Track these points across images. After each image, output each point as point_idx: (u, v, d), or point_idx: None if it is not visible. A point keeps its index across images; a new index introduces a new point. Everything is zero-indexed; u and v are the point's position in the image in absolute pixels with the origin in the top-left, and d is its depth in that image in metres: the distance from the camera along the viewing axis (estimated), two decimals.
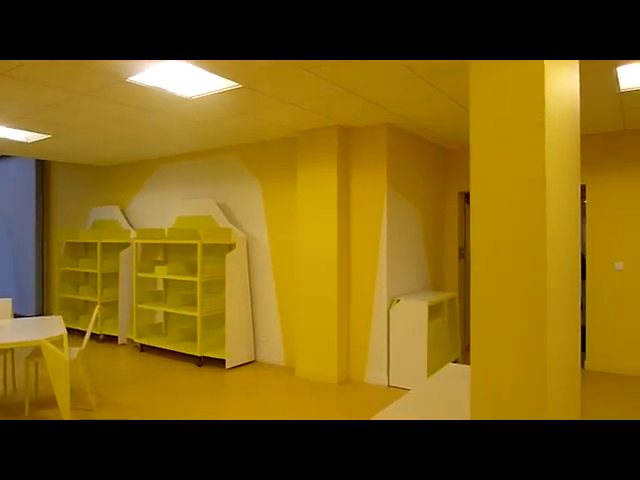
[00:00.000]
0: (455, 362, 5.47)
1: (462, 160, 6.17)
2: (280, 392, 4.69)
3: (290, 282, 5.52)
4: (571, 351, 2.12)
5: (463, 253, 6.39)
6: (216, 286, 5.97)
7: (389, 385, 4.84)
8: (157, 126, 4.99)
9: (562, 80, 1.93)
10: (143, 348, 6.29)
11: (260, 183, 5.80)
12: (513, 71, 1.67)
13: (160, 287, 6.62)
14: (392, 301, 4.89)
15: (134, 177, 7.32)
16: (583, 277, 5.40)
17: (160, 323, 6.55)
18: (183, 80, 3.55)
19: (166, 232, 6.06)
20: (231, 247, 5.69)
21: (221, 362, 5.50)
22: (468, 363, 2.10)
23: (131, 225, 7.28)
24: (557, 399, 1.76)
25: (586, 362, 5.37)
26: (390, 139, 4.90)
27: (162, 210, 6.89)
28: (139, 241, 6.19)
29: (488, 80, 1.73)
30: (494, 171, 1.68)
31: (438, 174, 6.11)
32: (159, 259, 6.61)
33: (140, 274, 6.18)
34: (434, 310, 5.10)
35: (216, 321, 5.94)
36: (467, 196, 6.37)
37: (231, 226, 5.81)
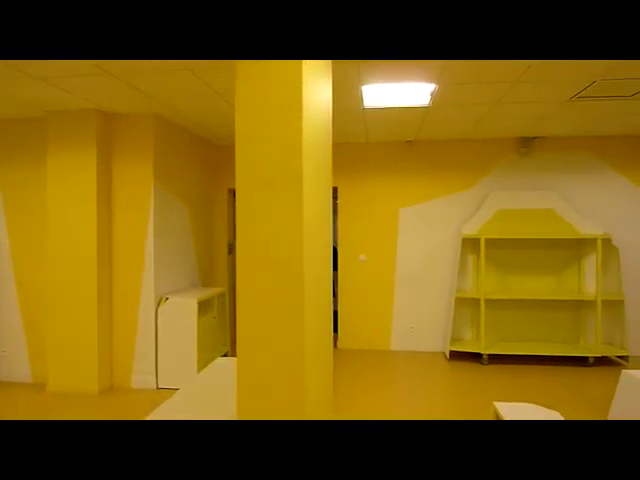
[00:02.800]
0: (225, 355, 5.58)
1: (232, 157, 6.30)
2: (22, 413, 4.03)
3: (39, 286, 4.79)
4: (325, 334, 2.38)
5: (232, 249, 6.55)
6: None
7: (158, 387, 4.65)
8: None
9: (318, 91, 2.14)
10: None
11: None
12: (275, 76, 1.78)
13: None
14: (160, 300, 4.70)
15: None
16: (335, 268, 6.14)
17: None
18: None
19: None
20: None
21: None
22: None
23: None
24: (314, 380, 1.95)
25: (338, 342, 6.12)
26: (158, 131, 4.69)
27: None
28: None
29: (253, 82, 1.80)
30: (257, 169, 1.76)
31: (208, 170, 6.12)
32: None
33: None
34: (204, 306, 5.10)
35: None
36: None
37: None
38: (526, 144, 5.78)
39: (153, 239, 4.61)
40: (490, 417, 3.21)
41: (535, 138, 5.78)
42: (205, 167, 6.01)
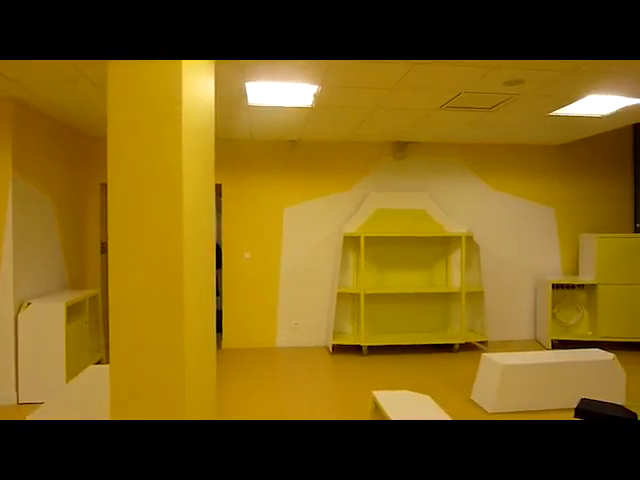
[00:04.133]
0: (99, 362, 5.18)
1: (105, 149, 5.85)
2: None
3: None
4: (207, 334, 2.32)
5: (106, 248, 6.10)
6: None
7: (19, 403, 4.17)
8: None
9: (199, 86, 2.07)
10: None
11: None
12: (153, 69, 1.68)
13: None
14: (21, 305, 4.22)
15: None
16: (219, 266, 6.01)
17: None
18: None
19: None
20: None
21: None
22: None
23: None
24: (196, 382, 1.89)
25: (223, 342, 6.01)
26: (18, 117, 4.19)
27: None
28: None
29: (127, 78, 1.69)
30: (131, 164, 1.66)
31: (79, 163, 5.62)
32: None
33: None
34: (74, 310, 4.68)
35: None
36: None
37: None
38: (401, 148, 6.18)
39: (12, 237, 4.11)
40: (370, 405, 3.38)
41: (409, 143, 6.20)
42: (75, 159, 5.51)
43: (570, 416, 3.20)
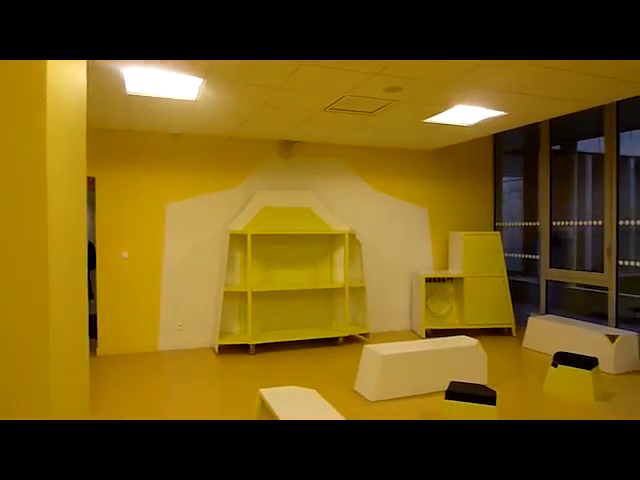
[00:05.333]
0: None
1: None
2: None
3: None
4: (79, 341, 2.13)
5: None
6: None
7: None
8: None
9: (69, 76, 1.89)
10: None
11: None
12: (13, 61, 1.49)
13: None
14: None
15: None
16: (93, 266, 5.56)
17: None
18: None
19: None
20: None
21: None
22: None
23: None
24: (63, 393, 1.72)
25: (98, 348, 5.57)
26: None
27: None
28: None
29: None
30: None
31: None
32: None
33: None
34: None
35: None
36: None
37: None
38: (287, 147, 6.25)
39: None
40: (257, 403, 3.37)
41: (295, 142, 6.28)
42: None
43: (442, 399, 3.49)
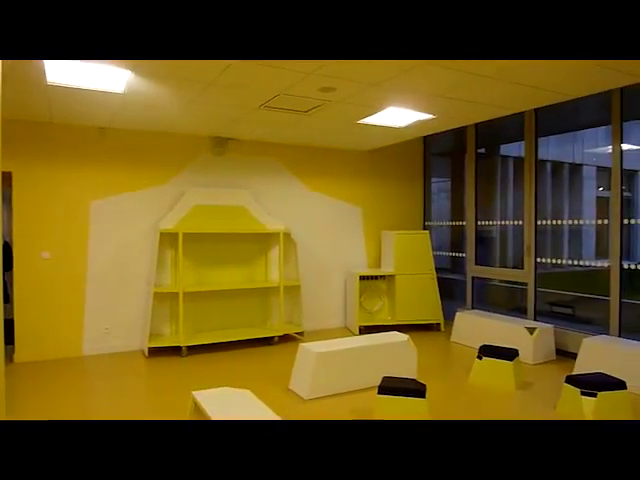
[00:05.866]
0: None
1: None
2: None
3: None
4: None
5: None
6: None
7: None
8: None
9: None
10: None
11: None
12: None
13: None
14: None
15: None
16: (10, 268, 5.17)
17: None
18: None
19: None
20: None
21: None
22: None
23: None
24: None
25: (15, 355, 5.19)
26: None
27: None
28: None
29: None
30: None
31: None
32: None
33: None
34: None
35: None
36: None
37: None
38: (221, 144, 6.14)
39: None
40: (189, 406, 3.29)
41: (229, 140, 6.18)
42: None
43: (375, 394, 3.57)
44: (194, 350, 5.60)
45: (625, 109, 4.99)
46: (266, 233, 6.26)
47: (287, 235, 6.28)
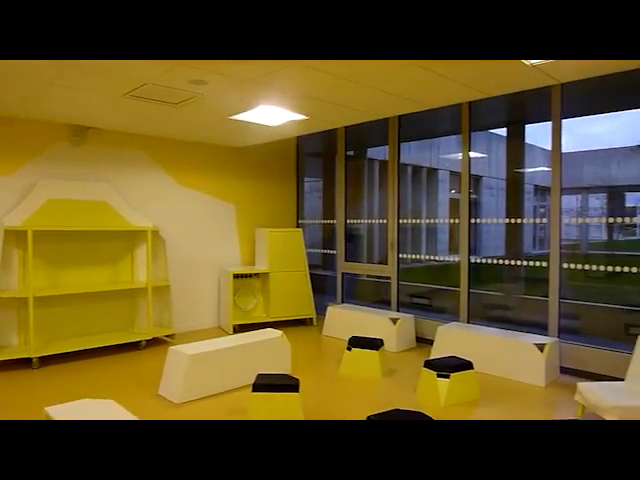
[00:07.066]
0: None
1: None
2: None
3: None
4: None
5: None
6: None
7: None
8: None
9: None
10: None
11: None
12: None
13: None
14: None
15: None
16: None
17: None
18: None
19: None
20: None
21: None
22: None
23: None
24: None
25: None
26: None
27: None
28: None
29: None
30: None
31: None
32: None
33: None
34: None
35: None
36: None
37: None
38: (79, 133, 5.59)
39: None
40: None
41: (90, 129, 5.67)
42: None
43: (249, 392, 3.55)
44: (49, 361, 5.04)
45: (473, 121, 5.61)
46: (131, 230, 5.86)
47: (155, 232, 5.96)
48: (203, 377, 4.11)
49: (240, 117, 5.08)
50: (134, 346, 5.66)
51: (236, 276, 6.65)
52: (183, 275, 6.52)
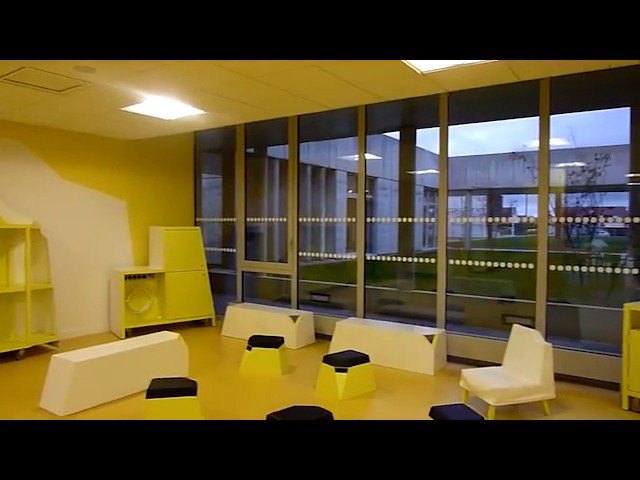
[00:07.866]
0: None
1: None
2: None
3: None
4: None
5: None
6: None
7: None
8: None
9: None
10: None
11: None
12: None
13: None
14: None
15: None
16: None
17: None
18: None
19: None
20: None
21: None
22: None
23: None
24: None
25: None
26: None
27: None
28: None
29: None
30: None
31: None
32: None
33: None
34: None
35: None
36: None
37: None
38: None
39: None
40: None
41: None
42: None
43: (143, 398, 3.38)
44: None
45: (369, 124, 5.84)
46: (6, 228, 5.29)
47: (35, 231, 5.44)
48: (91, 386, 3.84)
49: (133, 109, 4.81)
50: (11, 356, 5.12)
51: (128, 277, 6.28)
52: (68, 277, 6.02)
